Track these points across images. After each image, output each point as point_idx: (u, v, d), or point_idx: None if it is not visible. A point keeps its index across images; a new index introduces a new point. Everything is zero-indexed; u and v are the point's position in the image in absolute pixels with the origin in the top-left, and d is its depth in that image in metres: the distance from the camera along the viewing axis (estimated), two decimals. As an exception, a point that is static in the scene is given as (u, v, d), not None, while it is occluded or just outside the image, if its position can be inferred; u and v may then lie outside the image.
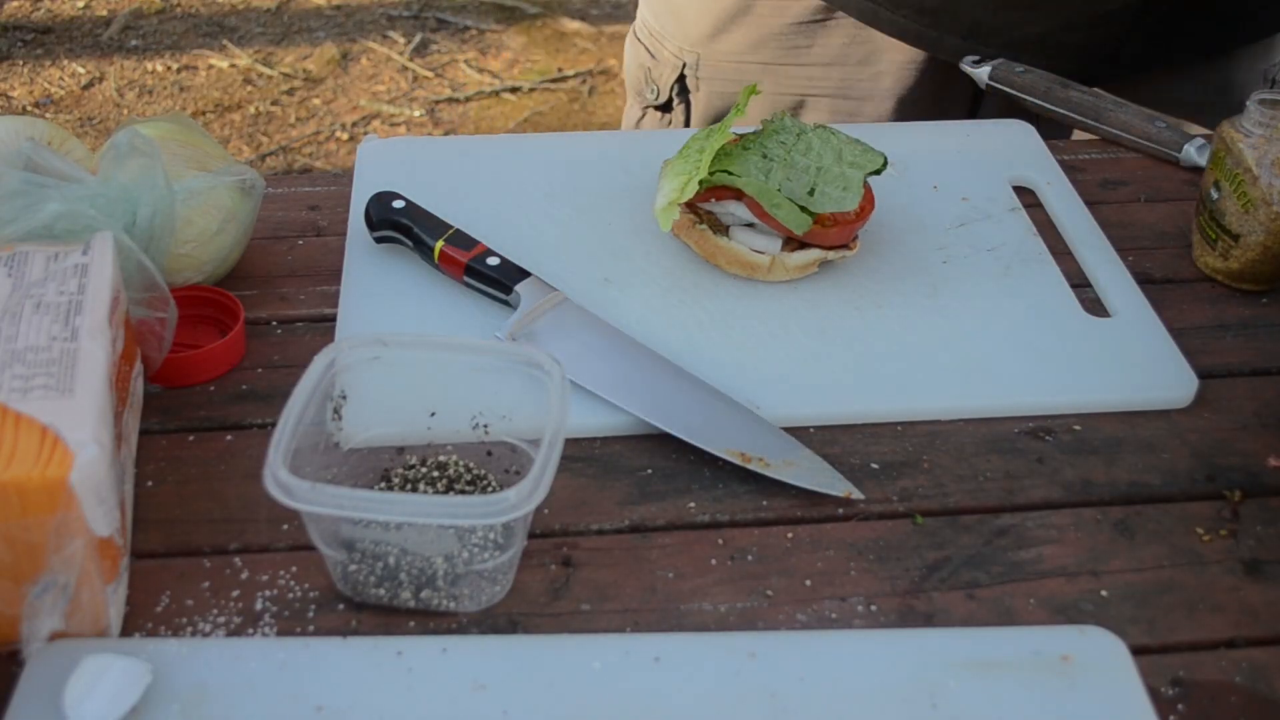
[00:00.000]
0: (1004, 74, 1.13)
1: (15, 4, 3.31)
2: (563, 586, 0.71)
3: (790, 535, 0.75)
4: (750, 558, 0.73)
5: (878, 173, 0.91)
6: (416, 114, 2.94)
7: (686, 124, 1.24)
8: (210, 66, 3.08)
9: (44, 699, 0.63)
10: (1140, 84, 1.15)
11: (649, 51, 1.24)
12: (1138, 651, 0.68)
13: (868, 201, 0.92)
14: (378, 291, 0.90)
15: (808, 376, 0.84)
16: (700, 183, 0.88)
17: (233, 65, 3.08)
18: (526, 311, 0.86)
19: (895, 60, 1.16)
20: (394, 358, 0.74)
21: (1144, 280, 0.94)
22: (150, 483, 0.77)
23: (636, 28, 1.27)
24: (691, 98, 1.21)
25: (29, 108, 2.90)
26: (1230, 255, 0.93)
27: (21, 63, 3.07)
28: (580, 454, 0.79)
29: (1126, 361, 0.86)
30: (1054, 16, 1.10)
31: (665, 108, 1.24)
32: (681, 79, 1.20)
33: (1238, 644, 0.69)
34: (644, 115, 1.26)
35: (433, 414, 0.76)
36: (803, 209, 0.88)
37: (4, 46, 3.13)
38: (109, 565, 0.65)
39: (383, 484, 0.74)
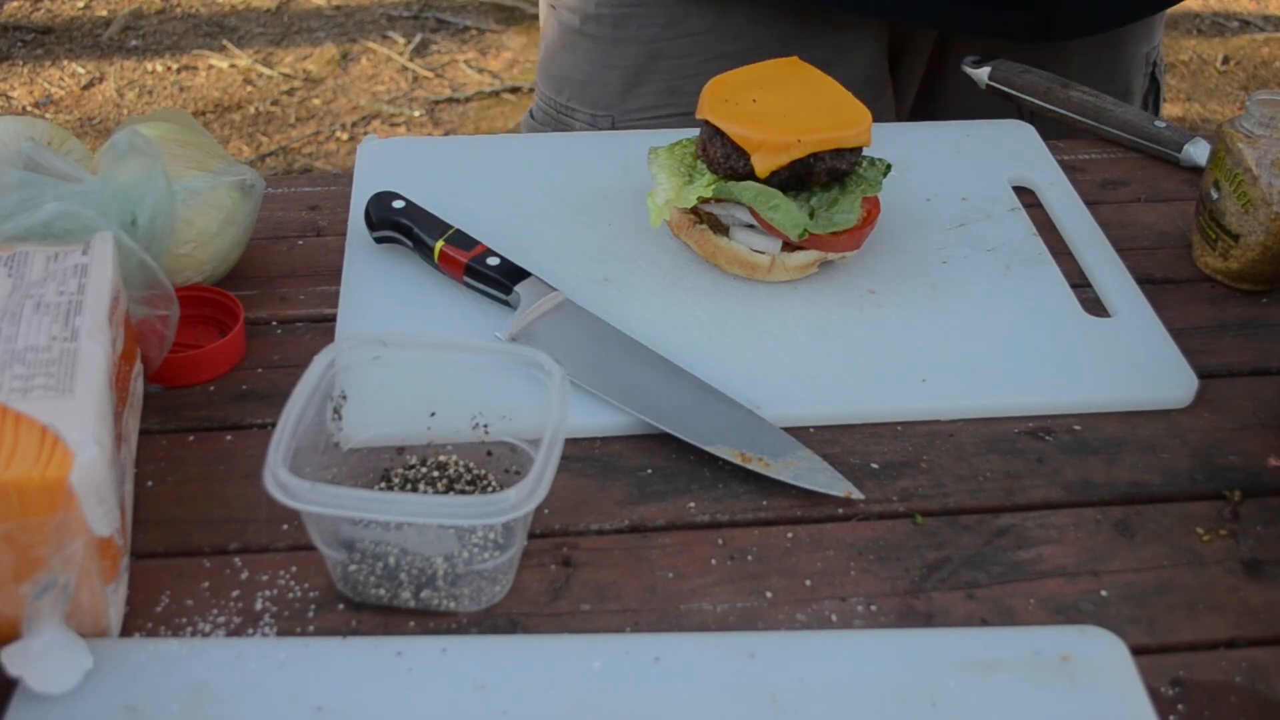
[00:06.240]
0: (1004, 74, 1.13)
1: (15, 4, 3.31)
2: (563, 586, 0.71)
3: (790, 535, 0.75)
4: (750, 558, 0.73)
5: (877, 187, 0.91)
6: (416, 114, 2.94)
7: None
8: (210, 66, 3.08)
9: (44, 699, 0.63)
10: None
11: (558, 130, 1.23)
12: (1138, 651, 0.68)
13: (874, 206, 0.92)
14: (378, 291, 0.90)
15: (808, 376, 0.84)
16: (699, 199, 0.88)
17: (233, 65, 3.09)
18: (526, 311, 0.86)
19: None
20: (394, 358, 0.74)
21: (1144, 280, 0.94)
22: (150, 483, 0.77)
23: (534, 112, 1.27)
24: None
25: (29, 108, 2.90)
26: (1230, 255, 0.93)
27: (21, 63, 3.08)
28: (580, 454, 0.79)
29: (1126, 361, 0.86)
30: None
31: None
32: None
33: (1238, 644, 0.69)
34: None
35: (433, 414, 0.76)
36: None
37: (4, 46, 3.14)
38: (109, 565, 0.65)
39: (383, 484, 0.74)
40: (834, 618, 0.70)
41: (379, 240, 0.93)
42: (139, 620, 0.69)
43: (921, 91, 1.27)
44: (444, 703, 0.64)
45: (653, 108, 1.18)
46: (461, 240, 0.89)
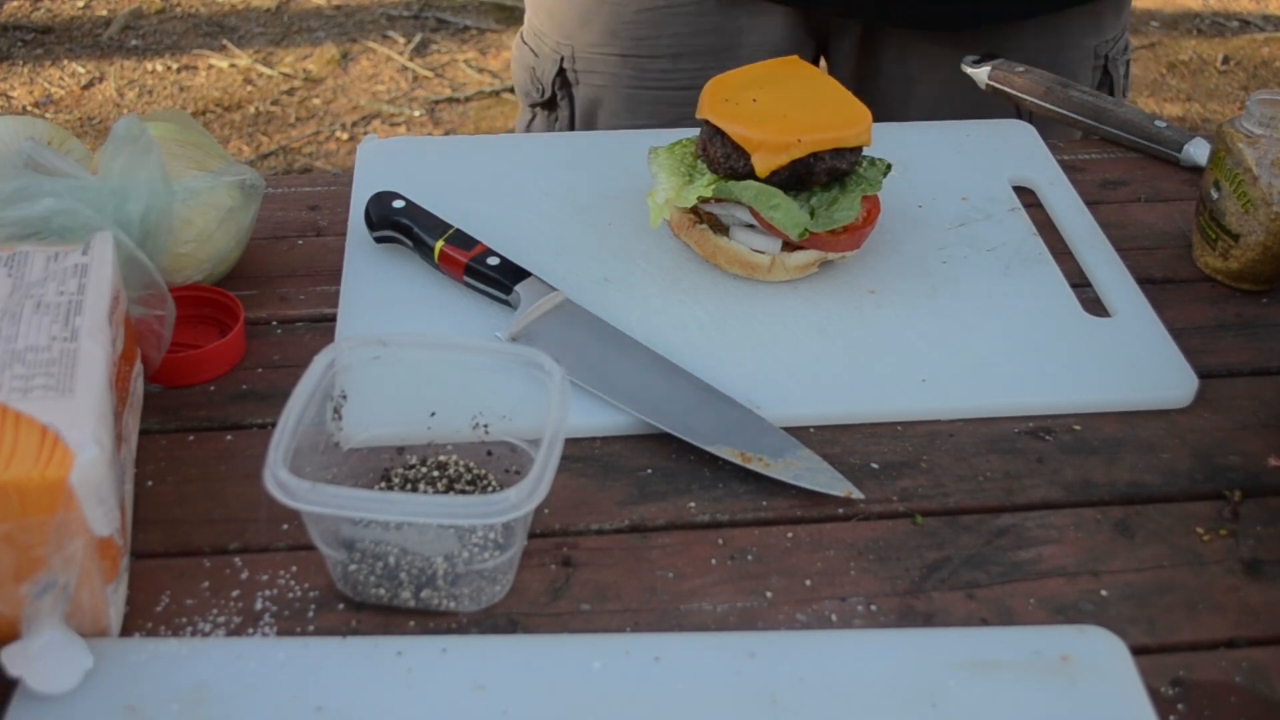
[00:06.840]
0: (1004, 74, 1.13)
1: (15, 4, 3.31)
2: (563, 586, 0.71)
3: (790, 535, 0.75)
4: (750, 558, 0.73)
5: (877, 186, 0.91)
6: (416, 114, 2.94)
7: (571, 120, 1.28)
8: (210, 66, 3.08)
9: (44, 699, 0.63)
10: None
11: (533, 51, 1.29)
12: (1138, 651, 0.68)
13: (874, 206, 0.92)
14: (378, 291, 0.90)
15: (808, 376, 0.84)
16: (699, 198, 0.88)
17: (233, 65, 3.08)
18: (526, 311, 0.86)
19: (753, 55, 1.17)
20: (394, 358, 0.74)
21: (1144, 280, 0.94)
22: (150, 483, 0.77)
23: (523, 31, 1.32)
24: (573, 92, 1.26)
25: (29, 108, 2.90)
26: (1230, 255, 0.93)
27: (21, 63, 3.07)
28: (580, 454, 0.79)
29: (1126, 361, 0.86)
30: None
31: (550, 105, 1.29)
32: (562, 73, 1.25)
33: (1238, 644, 0.69)
34: (533, 117, 1.31)
35: (433, 414, 0.76)
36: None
37: (4, 46, 3.13)
38: (109, 565, 0.65)
39: (383, 484, 0.74)
40: (834, 618, 0.70)
41: (379, 240, 0.93)
42: (139, 620, 0.69)
43: (866, 85, 1.26)
44: (444, 703, 0.64)
45: (599, 44, 1.22)
46: (461, 240, 0.89)
